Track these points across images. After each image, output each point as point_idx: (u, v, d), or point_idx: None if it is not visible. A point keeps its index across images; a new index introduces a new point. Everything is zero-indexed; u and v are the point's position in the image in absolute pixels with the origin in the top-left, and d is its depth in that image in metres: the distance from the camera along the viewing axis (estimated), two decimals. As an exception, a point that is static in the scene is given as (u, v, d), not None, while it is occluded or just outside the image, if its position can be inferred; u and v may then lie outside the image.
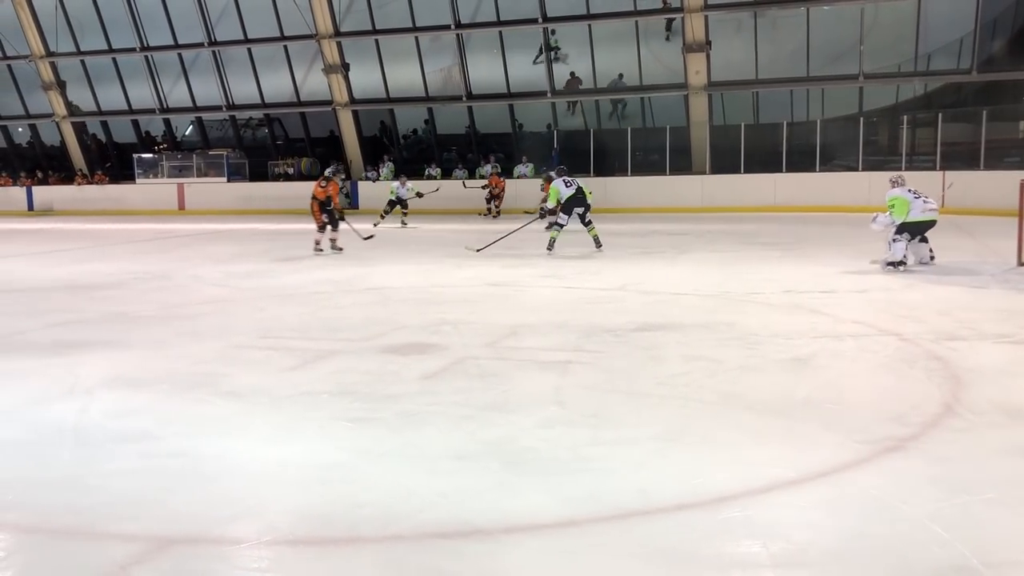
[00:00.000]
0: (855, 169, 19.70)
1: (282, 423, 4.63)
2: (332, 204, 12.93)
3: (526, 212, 17.56)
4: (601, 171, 21.67)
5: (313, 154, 25.70)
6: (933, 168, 18.08)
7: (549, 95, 22.65)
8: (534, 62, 22.77)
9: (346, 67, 24.15)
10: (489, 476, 3.79)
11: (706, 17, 20.56)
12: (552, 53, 22.42)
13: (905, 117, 20.23)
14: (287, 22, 24.03)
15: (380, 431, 4.43)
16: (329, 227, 12.95)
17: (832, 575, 2.85)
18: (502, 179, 20.62)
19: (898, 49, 20.17)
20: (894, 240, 9.61)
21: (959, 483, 3.60)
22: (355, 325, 7.26)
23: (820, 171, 19.99)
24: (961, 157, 18.42)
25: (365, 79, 24.29)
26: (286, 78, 25.06)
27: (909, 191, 9.74)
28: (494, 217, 19.75)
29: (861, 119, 20.34)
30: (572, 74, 22.72)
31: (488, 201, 20.30)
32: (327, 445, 4.25)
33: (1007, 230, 10.05)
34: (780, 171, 20.15)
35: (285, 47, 24.63)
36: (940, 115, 19.30)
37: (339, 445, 4.24)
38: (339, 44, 23.95)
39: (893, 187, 9.93)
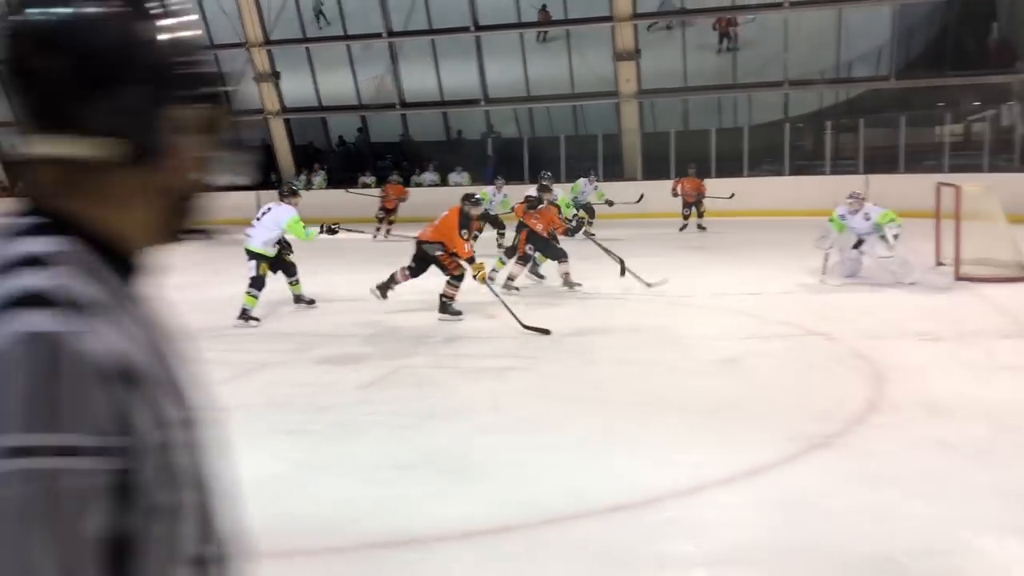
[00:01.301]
0: (782, 174, 20.17)
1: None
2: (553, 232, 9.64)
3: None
4: (535, 178, 21.80)
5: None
6: (856, 172, 18.61)
7: (483, 103, 22.70)
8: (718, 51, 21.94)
9: (277, 75, 23.86)
10: (426, 484, 3.79)
11: (635, 26, 20.85)
12: None
13: (829, 123, 20.79)
14: (215, 30, 23.64)
15: (316, 442, 4.41)
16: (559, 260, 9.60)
17: (762, 571, 2.93)
18: (405, 188, 17.60)
19: (820, 57, 20.74)
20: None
21: (882, 477, 3.73)
22: (290, 336, 7.18)
23: (748, 176, 20.41)
24: (882, 161, 18.99)
25: (297, 87, 24.02)
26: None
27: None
28: (385, 236, 15.94)
29: (786, 125, 20.84)
30: (543, 6, 22.16)
31: (380, 218, 16.52)
32: (262, 458, 4.19)
33: (926, 231, 10.41)
34: (709, 176, 20.50)
35: (215, 55, 24.17)
36: (862, 121, 19.89)
37: (274, 458, 4.19)
38: (269, 52, 23.63)
39: (867, 203, 9.17)
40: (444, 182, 22.24)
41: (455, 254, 7.96)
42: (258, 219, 8.47)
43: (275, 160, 24.57)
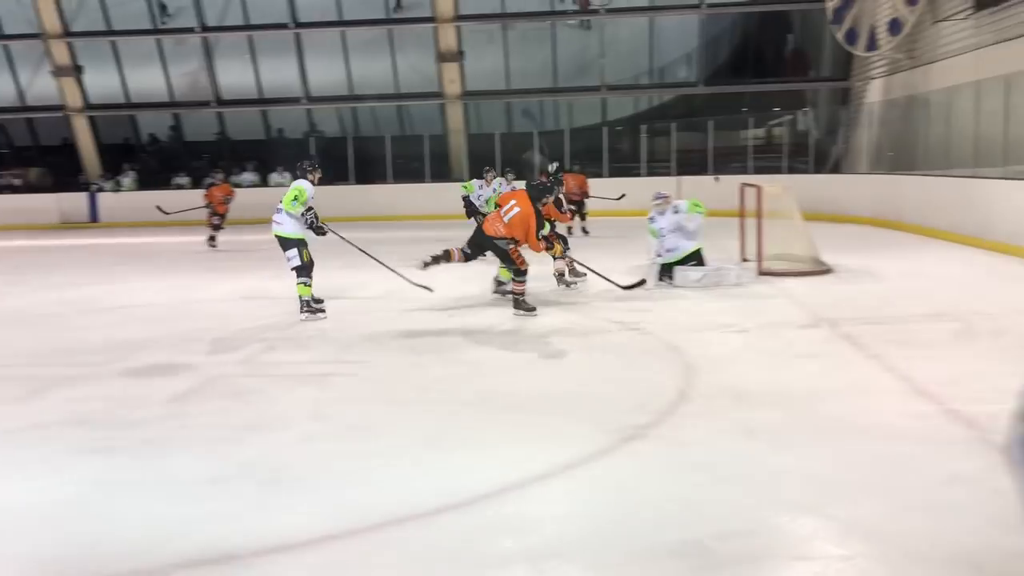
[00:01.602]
0: (601, 175, 20.88)
1: (6, 460, 4.21)
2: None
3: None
4: (361, 179, 21.55)
5: (44, 164, 23.52)
6: (669, 174, 19.55)
7: (304, 101, 22.18)
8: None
9: (79, 69, 22.34)
10: (244, 498, 3.65)
11: (458, 27, 21.00)
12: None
13: (644, 126, 21.73)
14: (7, 19, 21.89)
15: (123, 461, 4.14)
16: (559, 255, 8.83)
17: (581, 563, 3.00)
18: (231, 187, 15.61)
19: (635, 63, 21.63)
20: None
21: (692, 464, 3.92)
22: (94, 348, 6.72)
23: (571, 177, 21.00)
24: (693, 163, 20.06)
25: (103, 83, 22.58)
26: (8, 80, 22.79)
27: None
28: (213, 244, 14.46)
29: (605, 128, 21.61)
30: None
31: (216, 225, 14.64)
32: (60, 481, 3.90)
33: (732, 230, 11.06)
34: (533, 178, 20.93)
35: (6, 47, 22.39)
36: (674, 125, 20.92)
37: (75, 480, 3.91)
38: (69, 45, 22.11)
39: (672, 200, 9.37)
40: (265, 182, 21.60)
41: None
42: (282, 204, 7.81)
43: (80, 160, 23.05)
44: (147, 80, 22.49)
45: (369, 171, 21.81)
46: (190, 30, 21.66)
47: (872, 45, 16.28)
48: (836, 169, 18.93)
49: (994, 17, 12.83)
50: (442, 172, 21.76)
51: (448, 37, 20.94)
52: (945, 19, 14.20)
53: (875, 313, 7.35)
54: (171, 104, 22.73)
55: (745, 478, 3.73)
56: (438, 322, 7.50)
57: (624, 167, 21.17)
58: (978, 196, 11.99)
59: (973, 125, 12.68)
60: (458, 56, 21.15)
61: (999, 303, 7.60)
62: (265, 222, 9.04)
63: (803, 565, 2.97)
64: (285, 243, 7.80)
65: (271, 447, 4.29)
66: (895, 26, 15.29)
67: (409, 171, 21.89)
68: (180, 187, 21.60)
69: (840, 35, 17.19)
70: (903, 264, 10.43)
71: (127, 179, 22.18)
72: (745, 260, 10.30)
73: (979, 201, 11.91)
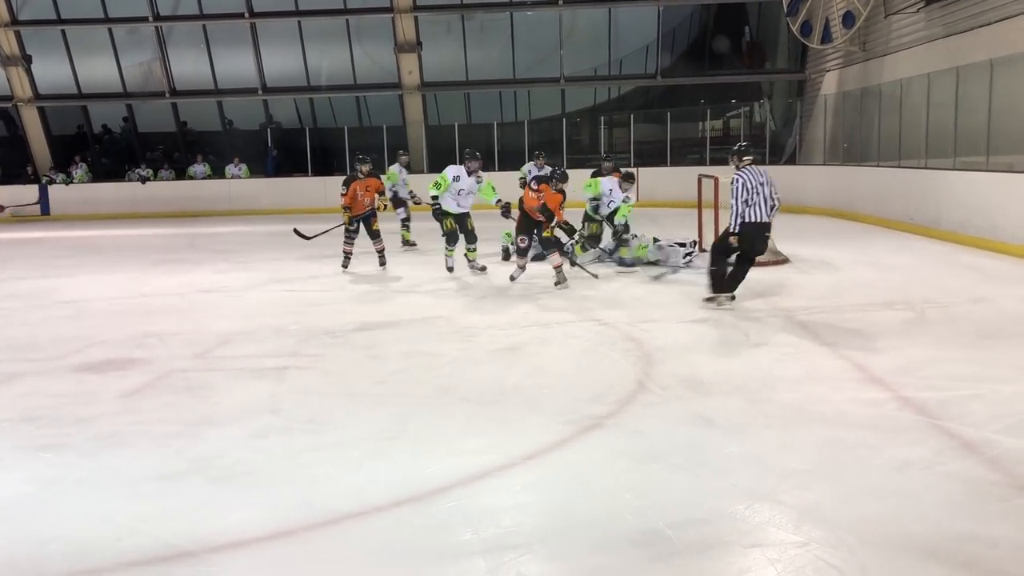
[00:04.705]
0: (560, 166, 20.91)
1: (-48, 459, 4.10)
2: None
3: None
4: (320, 171, 21.34)
5: (-8, 154, 23.00)
6: (628, 165, 19.62)
7: (260, 92, 21.89)
8: None
9: (28, 59, 21.84)
10: (196, 494, 3.59)
11: (416, 18, 20.86)
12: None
13: (603, 118, 21.79)
14: (-50, 7, 21.30)
15: (72, 457, 4.06)
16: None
17: (538, 553, 3.00)
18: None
19: (594, 54, 21.67)
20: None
21: (649, 453, 3.94)
22: (44, 343, 6.59)
23: (530, 169, 20.98)
24: (652, 154, 20.18)
25: (52, 73, 22.09)
26: (-47, 70, 22.21)
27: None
28: None
29: (564, 119, 21.63)
30: None
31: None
32: (8, 478, 3.82)
33: (690, 220, 11.14)
34: (494, 170, 20.91)
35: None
36: (632, 116, 21.01)
37: (23, 477, 3.83)
38: (18, 34, 21.59)
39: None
40: (221, 174, 21.28)
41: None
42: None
43: (29, 152, 22.55)
44: (99, 70, 22.07)
45: (327, 162, 21.62)
46: (143, 19, 21.28)
47: (826, 37, 16.48)
48: (792, 160, 19.15)
49: (944, 11, 13.05)
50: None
51: (406, 27, 20.80)
52: (897, 12, 14.42)
53: (830, 302, 7.45)
54: (124, 95, 22.31)
55: (702, 466, 3.76)
56: (395, 314, 7.46)
57: (583, 158, 21.22)
58: (929, 187, 12.20)
59: (924, 117, 12.89)
60: (416, 47, 21.03)
61: (950, 292, 7.75)
62: (219, 214, 8.90)
63: (759, 552, 2.99)
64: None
65: (226, 442, 4.23)
66: (848, 19, 15.49)
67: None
68: (144, 179, 21.23)
69: (795, 27, 17.38)
70: (857, 254, 10.58)
71: (79, 171, 21.75)
72: (703, 251, 10.36)
73: (930, 192, 12.13)
